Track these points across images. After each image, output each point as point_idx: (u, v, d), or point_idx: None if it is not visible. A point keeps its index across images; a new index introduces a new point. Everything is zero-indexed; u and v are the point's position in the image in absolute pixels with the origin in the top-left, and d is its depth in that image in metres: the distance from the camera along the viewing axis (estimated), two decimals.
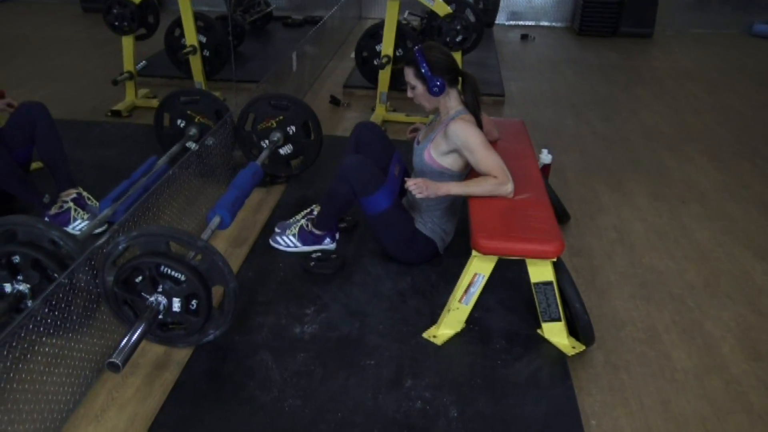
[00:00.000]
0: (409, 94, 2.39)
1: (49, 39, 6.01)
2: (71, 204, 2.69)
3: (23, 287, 1.96)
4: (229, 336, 2.12)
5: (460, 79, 2.36)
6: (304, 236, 2.61)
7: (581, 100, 4.83)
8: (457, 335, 2.17)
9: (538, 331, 2.18)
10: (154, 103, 4.08)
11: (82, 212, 2.70)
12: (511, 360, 2.06)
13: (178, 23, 4.20)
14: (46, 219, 2.65)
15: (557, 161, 3.37)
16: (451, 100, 2.36)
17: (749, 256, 2.76)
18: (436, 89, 2.29)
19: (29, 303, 1.96)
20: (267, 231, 2.77)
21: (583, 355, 2.12)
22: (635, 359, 2.14)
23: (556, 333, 2.14)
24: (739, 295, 2.50)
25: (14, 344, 1.61)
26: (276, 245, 2.64)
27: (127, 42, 4.03)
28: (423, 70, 2.27)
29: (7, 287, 1.97)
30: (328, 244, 2.64)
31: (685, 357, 2.16)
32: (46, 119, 2.74)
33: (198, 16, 4.09)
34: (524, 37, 6.79)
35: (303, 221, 2.65)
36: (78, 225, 2.66)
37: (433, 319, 2.23)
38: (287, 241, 2.63)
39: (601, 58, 6.09)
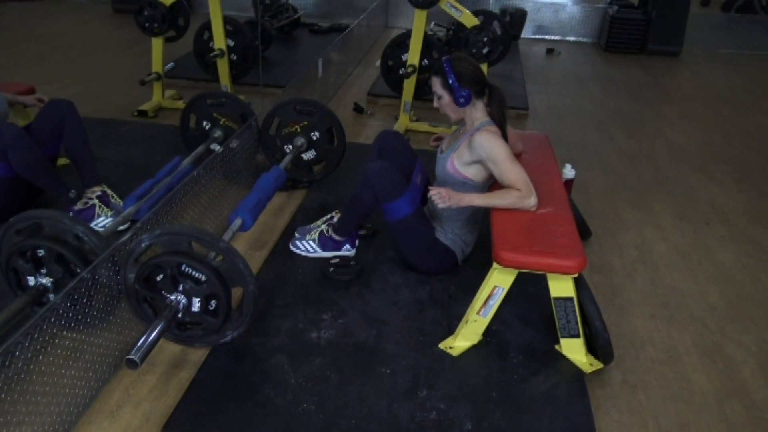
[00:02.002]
0: (435, 103, 2.40)
1: (80, 37, 6.12)
2: (96, 201, 2.73)
3: (46, 281, 1.98)
4: (246, 338, 2.12)
5: (486, 91, 2.36)
6: (324, 241, 2.62)
7: (606, 117, 4.80)
8: (473, 347, 2.15)
9: (556, 347, 2.16)
10: (180, 104, 4.13)
11: (106, 209, 2.73)
12: (528, 375, 2.04)
13: (207, 26, 4.25)
14: (71, 215, 2.69)
15: (580, 177, 3.34)
16: (477, 112, 2.36)
17: None
18: (462, 100, 2.29)
19: (51, 296, 1.99)
20: (287, 235, 2.77)
21: (601, 374, 2.10)
22: (654, 380, 2.11)
23: (574, 349, 2.11)
24: (763, 319, 2.45)
25: (36, 336, 1.63)
26: (296, 250, 2.65)
27: (157, 43, 4.09)
28: (450, 81, 2.27)
29: (31, 280, 2.00)
30: (348, 251, 2.64)
31: (705, 380, 2.13)
32: (75, 116, 2.79)
33: (227, 21, 4.14)
34: (550, 51, 6.77)
35: (323, 226, 2.65)
36: (102, 222, 2.69)
37: (450, 330, 2.22)
38: (307, 246, 2.63)
39: (627, 75, 6.05)
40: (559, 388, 2.00)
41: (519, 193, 2.18)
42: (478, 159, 2.29)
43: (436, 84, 2.34)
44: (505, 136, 2.32)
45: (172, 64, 4.28)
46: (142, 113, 4.08)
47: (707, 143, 4.33)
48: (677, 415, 1.97)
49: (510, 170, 2.20)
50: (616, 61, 6.61)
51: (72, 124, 2.78)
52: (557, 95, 5.28)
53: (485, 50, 4.02)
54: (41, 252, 1.97)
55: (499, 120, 2.34)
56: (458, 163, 2.36)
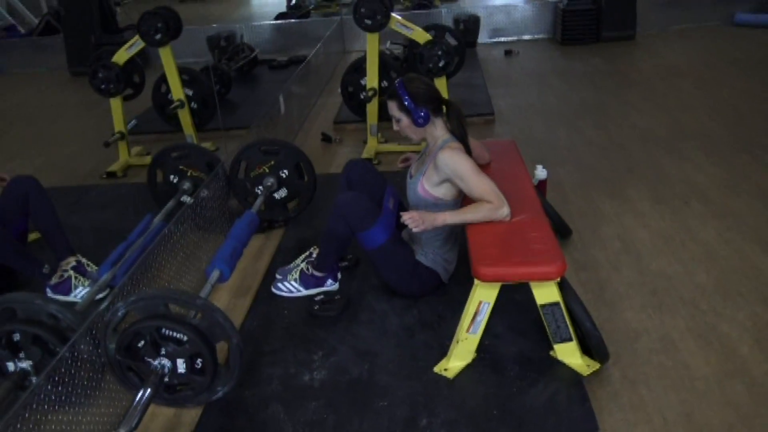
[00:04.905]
0: (395, 127, 2.39)
1: (41, 107, 6.09)
2: (71, 272, 2.69)
3: (26, 364, 1.94)
4: (239, 391, 2.08)
5: (443, 107, 2.36)
6: (305, 280, 2.59)
7: (571, 110, 4.83)
8: (468, 366, 2.12)
9: (551, 353, 2.14)
10: (148, 160, 4.07)
11: (83, 279, 2.69)
12: (527, 386, 2.02)
13: (163, 79, 4.23)
14: (48, 289, 2.66)
15: (553, 175, 3.34)
16: (438, 129, 2.36)
17: (758, 251, 2.71)
18: (420, 120, 2.29)
19: (33, 380, 1.94)
20: (269, 278, 2.74)
21: (600, 373, 2.07)
22: (653, 371, 2.09)
23: (569, 353, 2.09)
24: (752, 292, 2.45)
25: (18, 426, 1.58)
26: (278, 292, 2.62)
27: (116, 103, 4.06)
28: (406, 103, 2.27)
29: (10, 366, 1.95)
30: (331, 285, 2.61)
31: (703, 364, 2.11)
32: (38, 191, 2.76)
33: (182, 70, 4.13)
34: (508, 52, 6.82)
35: (303, 265, 2.63)
36: (80, 292, 2.65)
37: (442, 352, 2.19)
38: (289, 287, 2.60)
39: (586, 66, 6.10)
40: (559, 395, 1.97)
41: (490, 205, 2.17)
42: (445, 178, 2.28)
43: (393, 108, 2.33)
44: (468, 150, 2.32)
45: (134, 121, 4.26)
46: (111, 174, 4.05)
47: (673, 122, 4.36)
48: (681, 404, 1.95)
49: (478, 184, 2.20)
50: (573, 53, 6.68)
51: (37, 199, 2.75)
52: (521, 95, 5.31)
53: (441, 63, 4.01)
54: (17, 336, 1.93)
55: (460, 135, 2.34)
56: (428, 185, 2.35)
